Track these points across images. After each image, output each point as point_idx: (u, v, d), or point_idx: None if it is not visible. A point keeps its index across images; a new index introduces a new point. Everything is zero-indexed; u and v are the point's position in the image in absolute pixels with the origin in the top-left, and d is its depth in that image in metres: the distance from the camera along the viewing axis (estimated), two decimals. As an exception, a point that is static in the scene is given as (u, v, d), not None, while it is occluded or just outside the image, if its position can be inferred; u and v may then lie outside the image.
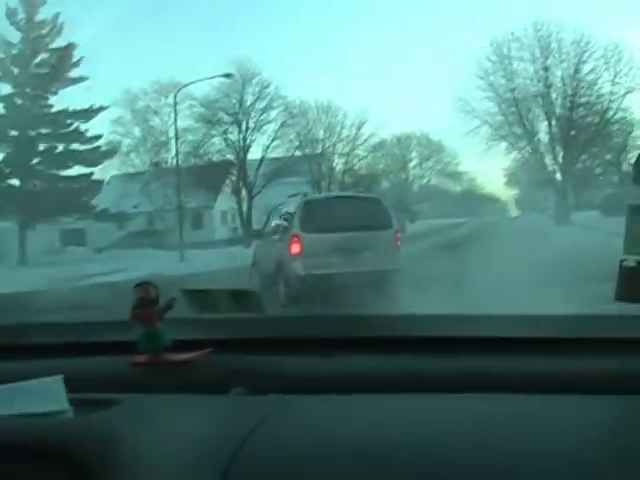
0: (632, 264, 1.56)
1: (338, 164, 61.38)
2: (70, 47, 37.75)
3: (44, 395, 1.35)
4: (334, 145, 59.17)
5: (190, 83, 39.97)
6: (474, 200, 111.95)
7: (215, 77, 39.89)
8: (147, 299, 1.67)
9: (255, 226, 55.08)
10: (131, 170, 45.86)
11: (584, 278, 10.54)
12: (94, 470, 1.13)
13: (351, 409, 1.40)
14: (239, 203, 45.37)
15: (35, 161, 37.69)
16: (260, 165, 47.02)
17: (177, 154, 38.65)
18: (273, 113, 48.16)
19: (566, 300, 7.43)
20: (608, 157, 50.47)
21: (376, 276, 12.44)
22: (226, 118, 46.56)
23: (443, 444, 1.18)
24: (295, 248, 13.34)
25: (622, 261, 1.57)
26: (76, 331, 2.05)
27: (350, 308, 10.77)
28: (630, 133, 50.40)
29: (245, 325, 1.92)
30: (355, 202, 15.05)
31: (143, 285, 1.69)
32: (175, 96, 38.49)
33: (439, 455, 1.15)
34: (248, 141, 46.62)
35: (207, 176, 43.86)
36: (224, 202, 47.77)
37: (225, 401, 1.50)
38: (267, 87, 46.79)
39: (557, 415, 1.29)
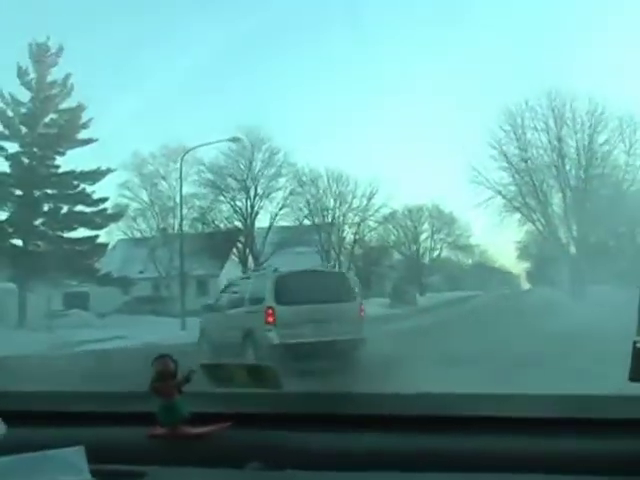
0: None
1: (348, 234, 61.28)
2: (79, 108, 37.84)
3: (66, 465, 1.39)
4: (344, 215, 59.05)
5: (197, 147, 40.03)
6: (485, 273, 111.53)
7: (222, 141, 39.76)
8: (166, 372, 1.72)
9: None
10: (137, 235, 45.90)
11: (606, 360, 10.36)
12: None
13: None
14: (245, 272, 45.08)
15: (39, 221, 37.49)
16: (268, 233, 46.83)
17: (181, 219, 38.60)
18: (282, 180, 48.17)
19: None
20: (622, 230, 50.01)
21: (343, 345, 13.90)
22: (234, 184, 46.60)
23: None
24: (270, 318, 14.45)
25: (635, 342, 1.61)
26: (95, 400, 2.09)
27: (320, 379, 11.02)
28: None
29: (262, 400, 1.96)
30: (322, 276, 16.61)
31: (162, 358, 1.75)
32: (181, 160, 38.60)
33: None
34: (256, 208, 46.47)
35: (214, 243, 43.78)
36: (231, 270, 47.52)
37: (242, 476, 1.55)
38: (276, 154, 46.82)
39: None
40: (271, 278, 15.49)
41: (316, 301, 14.41)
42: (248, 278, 18.05)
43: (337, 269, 20.96)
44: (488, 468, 1.47)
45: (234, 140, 39.62)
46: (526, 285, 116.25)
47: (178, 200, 42.00)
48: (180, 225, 38.54)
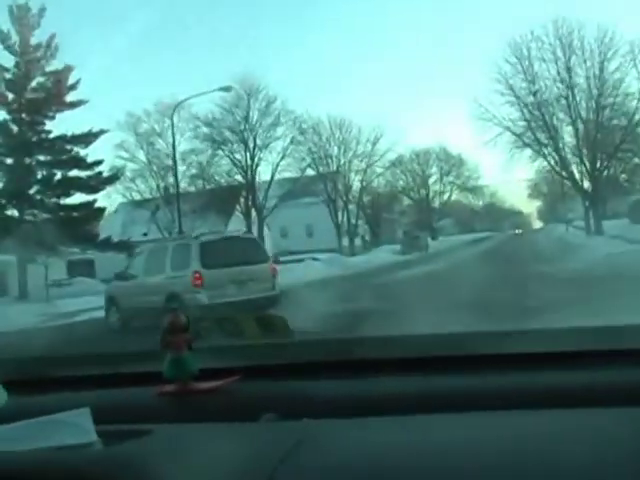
0: None
1: (355, 181, 61.16)
2: (67, 70, 37.40)
3: (72, 428, 1.38)
4: (350, 162, 59.00)
5: (188, 98, 39.69)
6: (496, 214, 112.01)
7: (214, 91, 38.92)
8: (177, 325, 1.71)
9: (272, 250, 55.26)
10: (137, 196, 45.86)
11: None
12: None
13: (386, 431, 1.44)
14: (249, 226, 44.88)
15: (33, 190, 37.23)
16: (270, 185, 46.59)
17: (176, 176, 38.33)
18: (281, 130, 47.74)
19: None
20: (636, 161, 49.42)
21: (261, 301, 15.62)
22: (231, 137, 46.22)
23: (487, 463, 1.21)
24: (198, 281, 16.09)
25: None
26: (101, 363, 2.09)
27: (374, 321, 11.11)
28: None
29: (273, 351, 1.96)
30: (239, 242, 18.09)
31: (172, 312, 1.74)
32: (172, 113, 38.29)
33: (482, 475, 1.18)
34: (256, 160, 46.13)
35: (216, 200, 43.67)
36: (236, 226, 47.53)
37: (256, 428, 1.54)
38: (273, 102, 46.41)
39: (581, 429, 1.33)
40: (195, 244, 16.86)
41: (235, 264, 16.30)
42: (164, 246, 19.00)
43: (250, 234, 23.29)
44: (505, 406, 1.47)
45: (226, 89, 38.75)
46: (538, 224, 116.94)
47: (176, 157, 41.97)
48: (176, 182, 38.32)
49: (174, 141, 38.24)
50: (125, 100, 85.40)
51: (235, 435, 1.49)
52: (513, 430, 1.36)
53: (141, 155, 45.83)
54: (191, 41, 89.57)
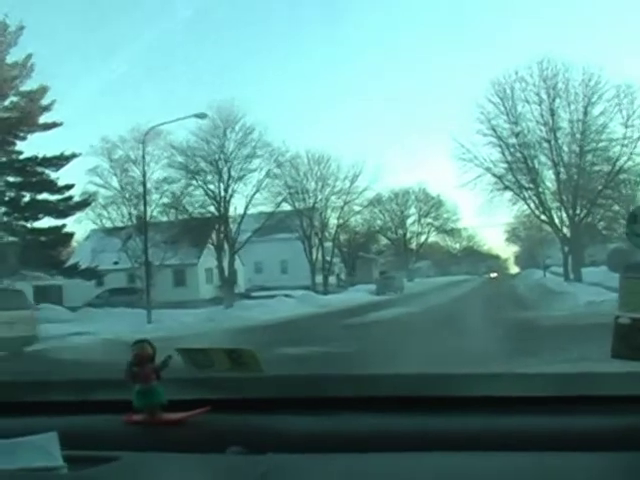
0: (627, 321, 1.65)
1: (331, 219, 61.05)
2: (41, 90, 36.92)
3: (38, 451, 1.42)
4: (327, 198, 58.79)
5: (162, 124, 39.31)
6: (474, 257, 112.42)
7: (187, 117, 38.18)
8: (144, 356, 1.76)
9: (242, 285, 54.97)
10: (108, 224, 45.56)
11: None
12: None
13: (349, 468, 1.49)
14: (220, 260, 44.72)
15: (1, 211, 36.80)
16: (243, 218, 46.20)
17: (145, 204, 37.65)
18: (257, 162, 46.99)
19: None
20: (616, 208, 49.31)
21: (19, 340, 19.00)
22: (206, 167, 45.68)
23: None
24: None
25: (617, 318, 1.66)
26: (72, 389, 2.12)
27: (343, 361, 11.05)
28: (639, 183, 48.85)
29: (242, 384, 2.00)
30: (5, 293, 23.03)
31: (140, 342, 1.78)
32: (144, 139, 37.86)
33: None
34: (230, 192, 45.44)
35: (190, 231, 43.36)
36: (209, 259, 47.27)
37: (222, 460, 1.57)
38: (250, 133, 45.74)
39: (559, 473, 1.38)
40: None
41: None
42: None
43: (16, 289, 25.88)
44: (479, 447, 1.52)
45: (200, 116, 38.22)
46: (515, 269, 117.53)
47: (149, 185, 41.72)
48: (145, 211, 37.78)
49: (144, 168, 37.98)
50: (100, 125, 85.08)
51: (201, 466, 1.53)
52: (476, 471, 1.41)
53: (114, 182, 45.46)
54: (171, 70, 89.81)
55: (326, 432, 1.70)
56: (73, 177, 46.39)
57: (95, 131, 78.45)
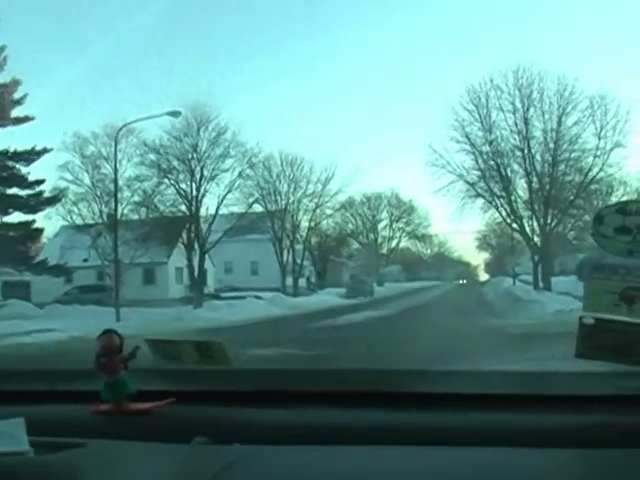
0: (590, 321, 1.68)
1: (303, 221, 61.04)
2: (13, 83, 36.57)
3: (4, 436, 1.42)
4: (299, 201, 58.71)
5: (135, 121, 38.80)
6: (444, 263, 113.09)
7: (161, 115, 37.71)
8: (111, 347, 1.76)
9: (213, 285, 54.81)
10: (79, 220, 45.24)
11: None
12: None
13: (313, 460, 1.51)
14: (189, 259, 44.36)
15: (-30, 205, 36.72)
16: (214, 218, 45.94)
17: (116, 201, 37.24)
18: (230, 162, 46.36)
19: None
20: (587, 218, 49.35)
21: None
22: (179, 166, 45.09)
23: None
24: None
25: (581, 318, 1.69)
26: (40, 379, 2.12)
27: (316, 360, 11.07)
28: (610, 194, 48.98)
29: (209, 377, 2.02)
30: None
31: (107, 333, 1.78)
32: (117, 136, 37.69)
33: None
34: (202, 191, 45.08)
35: (160, 229, 43.10)
36: (179, 258, 47.00)
37: (187, 450, 1.58)
38: (224, 133, 45.24)
39: (523, 468, 1.41)
40: None
41: None
42: None
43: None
44: (432, 442, 1.54)
45: (173, 114, 37.96)
46: (484, 276, 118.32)
47: (120, 183, 41.40)
48: (115, 208, 37.45)
49: (116, 165, 37.70)
50: (72, 121, 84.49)
51: (167, 455, 1.55)
52: (445, 465, 1.43)
53: (86, 178, 45.09)
54: (146, 68, 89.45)
55: (293, 425, 1.72)
56: (44, 172, 45.99)
57: (67, 126, 78.00)
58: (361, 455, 1.52)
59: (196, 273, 44.41)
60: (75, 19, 76.78)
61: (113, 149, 38.50)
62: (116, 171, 37.80)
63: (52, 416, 1.78)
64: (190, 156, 44.70)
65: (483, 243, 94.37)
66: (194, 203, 44.47)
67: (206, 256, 46.58)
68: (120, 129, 37.71)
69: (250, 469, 1.42)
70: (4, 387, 2.04)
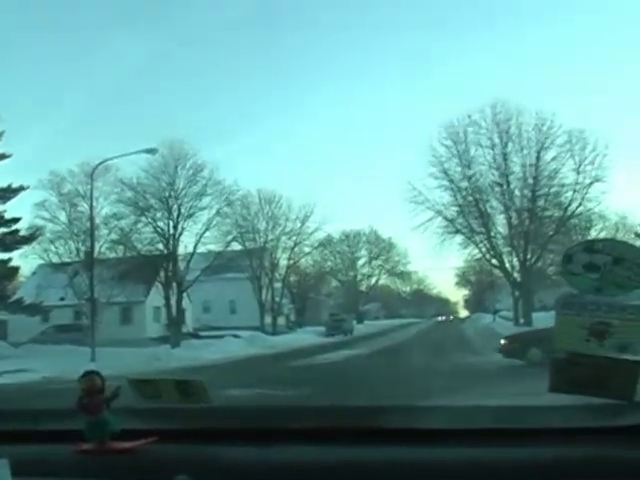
0: (562, 356, 1.73)
1: (282, 259, 61.03)
2: None
3: (-12, 479, 1.45)
4: (277, 239, 58.89)
5: (111, 158, 38.71)
6: (423, 300, 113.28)
7: (138, 152, 37.42)
8: (93, 388, 1.79)
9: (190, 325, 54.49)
10: (55, 259, 45.02)
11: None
12: None
13: None
14: (167, 298, 44.04)
15: (-56, 243, 36.47)
16: (192, 257, 45.84)
17: (92, 239, 37.22)
18: (207, 200, 46.46)
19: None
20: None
21: None
22: (156, 204, 45.01)
23: None
24: None
25: (552, 354, 1.74)
26: (22, 419, 2.14)
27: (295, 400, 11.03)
28: (589, 228, 49.12)
29: (190, 415, 2.04)
30: None
31: (89, 375, 1.82)
32: (92, 173, 37.73)
33: None
34: (179, 229, 45.00)
35: (138, 268, 42.86)
36: (157, 297, 46.72)
37: None
38: (201, 171, 45.48)
39: None
40: None
41: None
42: None
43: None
44: (403, 478, 1.58)
45: (150, 152, 37.80)
46: (464, 312, 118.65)
47: (97, 221, 41.25)
48: (91, 246, 37.35)
49: (92, 203, 37.63)
50: (49, 159, 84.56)
51: None
52: None
53: (62, 216, 44.98)
54: (123, 108, 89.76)
55: (275, 462, 1.73)
56: (20, 211, 45.84)
57: (43, 165, 77.84)
58: None
59: (174, 312, 44.18)
60: (54, 65, 77.01)
61: (89, 187, 38.47)
62: (92, 209, 37.75)
63: (35, 456, 1.80)
64: (167, 194, 44.69)
65: (462, 279, 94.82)
66: (171, 241, 44.35)
67: (184, 295, 46.42)
68: (96, 166, 37.70)
69: None
70: None
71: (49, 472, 1.63)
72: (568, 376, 1.72)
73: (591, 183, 46.50)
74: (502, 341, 22.85)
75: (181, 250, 46.05)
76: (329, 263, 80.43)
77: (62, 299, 45.26)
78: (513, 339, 23.14)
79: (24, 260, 43.40)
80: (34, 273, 48.51)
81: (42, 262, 45.85)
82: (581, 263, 1.82)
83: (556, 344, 1.78)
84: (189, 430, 1.94)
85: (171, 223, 44.67)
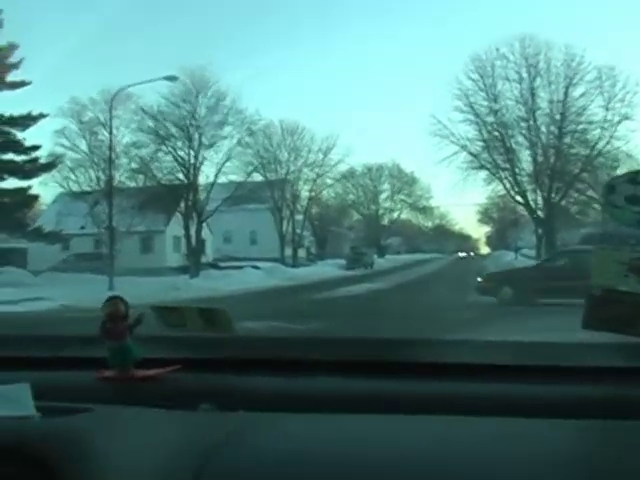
0: (598, 293, 1.69)
1: (303, 191, 60.90)
2: (10, 47, 36.55)
3: (10, 401, 1.44)
4: (299, 170, 58.63)
5: (131, 85, 38.48)
6: (445, 236, 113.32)
7: (158, 80, 37.02)
8: (117, 314, 1.78)
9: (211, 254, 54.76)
10: (75, 187, 45.14)
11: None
12: (60, 469, 1.24)
13: (319, 428, 1.53)
14: (187, 228, 44.14)
15: (-37, 170, 36.39)
16: (212, 187, 45.84)
17: (110, 168, 37.54)
18: (229, 129, 46.18)
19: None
20: (591, 193, 48.80)
21: None
22: (177, 132, 44.84)
23: (408, 463, 1.31)
24: None
25: (590, 290, 1.70)
26: (43, 344, 2.14)
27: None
28: (615, 168, 46.37)
29: (214, 344, 2.04)
30: None
31: (113, 300, 1.81)
32: (112, 100, 37.73)
33: (402, 474, 1.28)
34: (200, 159, 45.00)
35: (158, 198, 42.94)
36: (177, 227, 46.82)
37: (192, 417, 1.61)
38: (223, 100, 45.02)
39: (528, 437, 1.42)
40: None
41: None
42: None
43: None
44: (443, 411, 1.56)
45: (170, 79, 37.36)
46: (485, 249, 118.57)
47: (118, 150, 41.22)
48: (110, 175, 37.46)
49: (111, 130, 37.71)
50: (69, 86, 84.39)
51: (172, 421, 1.57)
52: (444, 435, 1.45)
53: (83, 145, 44.97)
54: (147, 33, 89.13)
55: (298, 392, 1.75)
56: (40, 138, 45.79)
57: (65, 93, 77.62)
58: (366, 423, 1.54)
59: (193, 242, 44.29)
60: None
61: (110, 115, 38.38)
62: (111, 136, 37.92)
63: (57, 382, 1.80)
64: (188, 122, 44.47)
65: (485, 216, 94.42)
66: (192, 171, 44.26)
67: (205, 225, 46.52)
68: (116, 93, 37.55)
69: (255, 436, 1.44)
70: (7, 353, 2.06)
71: (71, 398, 1.62)
72: (603, 313, 1.69)
73: (620, 121, 45.93)
74: (478, 279, 23.69)
75: (202, 180, 46.12)
76: (351, 196, 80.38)
77: (82, 228, 45.49)
78: (488, 278, 23.98)
79: (44, 188, 43.70)
80: (54, 201, 48.67)
81: (62, 190, 46.01)
82: (624, 194, 1.77)
83: (593, 279, 1.74)
84: (213, 359, 1.94)
85: (192, 152, 44.56)
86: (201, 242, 46.20)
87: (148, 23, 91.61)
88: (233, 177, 48.48)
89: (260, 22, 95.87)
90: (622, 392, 1.63)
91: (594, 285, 1.72)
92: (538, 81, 47.42)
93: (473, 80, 48.27)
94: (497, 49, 47.35)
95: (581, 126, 47.41)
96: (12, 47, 36.72)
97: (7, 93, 37.31)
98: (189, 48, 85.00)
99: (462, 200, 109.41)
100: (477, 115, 48.70)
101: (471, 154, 49.27)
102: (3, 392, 1.47)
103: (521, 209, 53.95)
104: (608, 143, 46.61)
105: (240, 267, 41.58)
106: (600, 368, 1.72)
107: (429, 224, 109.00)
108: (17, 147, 37.56)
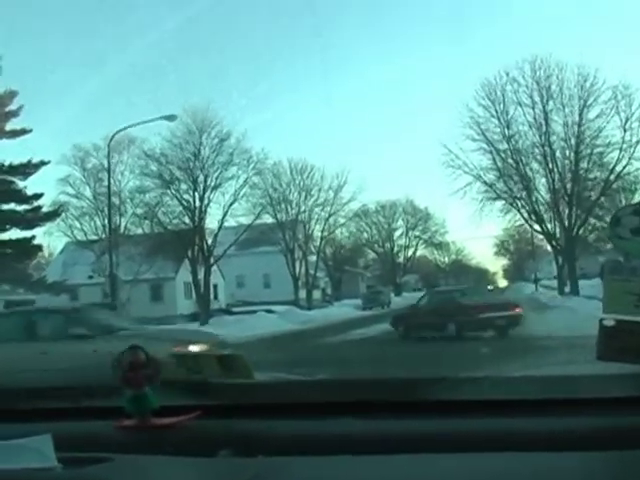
0: (611, 323, 1.74)
1: (316, 231, 60.72)
2: (9, 95, 36.94)
3: (33, 452, 1.50)
4: (310, 210, 58.48)
5: (130, 126, 37.95)
6: (462, 271, 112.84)
7: (157, 119, 36.76)
8: (137, 363, 1.85)
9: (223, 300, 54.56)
10: (80, 235, 45.27)
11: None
12: None
13: (338, 471, 1.58)
14: (194, 273, 43.83)
15: (-36, 221, 36.31)
16: (219, 230, 45.67)
17: (110, 214, 37.38)
18: (234, 170, 46.01)
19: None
20: (609, 219, 46.92)
21: None
22: (181, 175, 44.74)
23: None
24: None
25: (601, 320, 1.75)
26: (62, 395, 2.20)
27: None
28: (636, 191, 47.07)
29: (233, 390, 2.09)
30: None
31: (133, 349, 1.87)
32: (109, 142, 37.48)
33: None
34: (206, 201, 44.84)
35: (166, 243, 42.84)
36: (188, 273, 46.49)
37: (212, 464, 1.66)
38: (227, 139, 44.90)
39: (546, 472, 1.47)
40: None
41: None
42: None
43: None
44: (467, 449, 1.60)
45: (169, 118, 36.83)
46: (503, 282, 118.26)
47: (123, 196, 41.24)
48: (109, 221, 37.14)
49: (109, 174, 37.74)
50: (72, 133, 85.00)
51: (192, 469, 1.62)
52: (466, 472, 1.50)
53: (87, 192, 45.27)
54: (147, 80, 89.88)
55: (316, 435, 1.78)
56: (43, 186, 45.97)
57: (67, 140, 78.18)
58: (384, 465, 1.58)
59: (202, 288, 44.07)
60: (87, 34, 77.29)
61: (114, 161, 38.45)
62: (109, 180, 37.82)
63: (77, 432, 1.85)
64: (192, 164, 44.37)
65: (501, 249, 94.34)
66: (197, 214, 43.94)
67: (216, 270, 46.27)
68: (114, 135, 37.08)
69: None
70: (30, 405, 2.11)
71: (91, 448, 1.68)
72: (617, 343, 1.73)
73: (638, 141, 45.45)
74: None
75: (209, 223, 46.02)
76: (365, 235, 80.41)
77: (90, 277, 45.43)
78: (393, 318, 27.65)
79: (51, 238, 43.76)
80: (62, 251, 48.79)
81: (68, 239, 46.10)
82: (629, 227, 1.80)
83: (604, 310, 1.79)
84: (231, 405, 1.99)
85: (197, 195, 44.37)
86: (212, 287, 46.04)
87: (151, 71, 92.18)
88: (242, 219, 48.35)
89: (266, 58, 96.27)
90: (634, 422, 1.66)
91: (606, 315, 1.77)
92: (551, 104, 47.26)
93: (484, 107, 48.12)
94: (507, 73, 47.44)
95: (598, 149, 46.94)
96: (11, 94, 36.96)
97: (7, 141, 37.51)
98: (192, 92, 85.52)
99: (477, 233, 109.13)
100: (490, 143, 48.33)
101: (486, 184, 48.88)
102: (26, 444, 1.52)
103: (538, 240, 53.87)
104: (627, 165, 46.06)
105: (254, 312, 41.39)
106: (616, 399, 1.75)
107: (445, 259, 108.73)
108: (18, 196, 37.68)
